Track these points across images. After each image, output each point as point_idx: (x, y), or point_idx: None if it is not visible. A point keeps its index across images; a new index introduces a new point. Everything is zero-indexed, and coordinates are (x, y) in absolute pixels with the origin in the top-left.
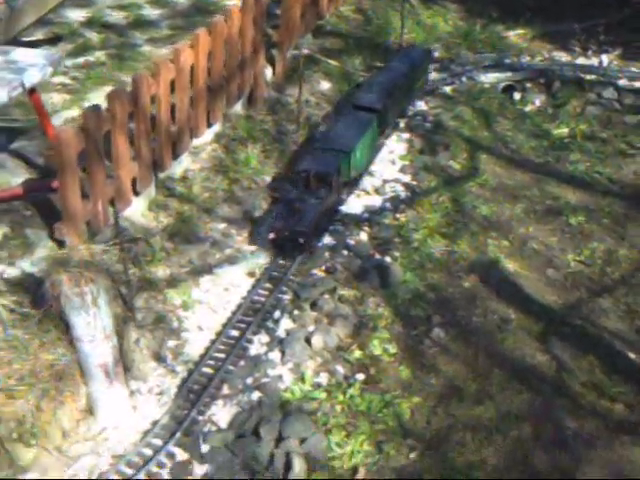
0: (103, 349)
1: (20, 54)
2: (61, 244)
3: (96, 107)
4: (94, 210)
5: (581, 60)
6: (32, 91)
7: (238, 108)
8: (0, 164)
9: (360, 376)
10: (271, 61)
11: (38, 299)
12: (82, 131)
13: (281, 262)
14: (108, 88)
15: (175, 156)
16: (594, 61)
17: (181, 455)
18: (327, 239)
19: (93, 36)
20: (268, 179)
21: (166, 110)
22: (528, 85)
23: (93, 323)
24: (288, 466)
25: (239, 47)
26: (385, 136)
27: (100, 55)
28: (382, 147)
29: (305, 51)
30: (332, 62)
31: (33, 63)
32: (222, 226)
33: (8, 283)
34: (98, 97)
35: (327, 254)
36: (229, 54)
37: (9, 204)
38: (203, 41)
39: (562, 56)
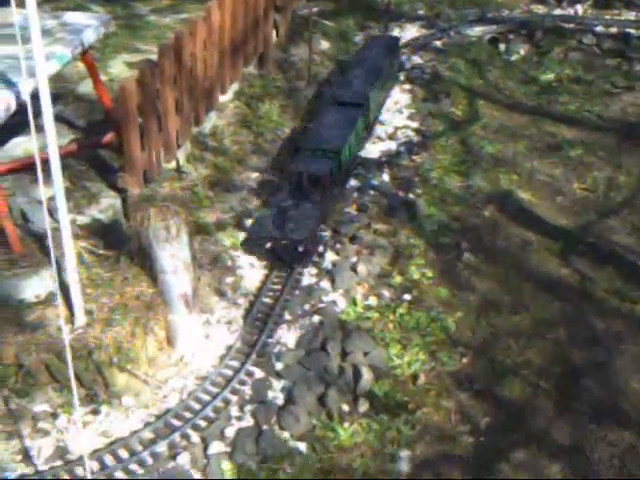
0: (184, 280)
1: (72, 17)
2: (122, 192)
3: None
4: (149, 160)
5: (558, 11)
6: (84, 52)
7: (251, 68)
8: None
9: (406, 297)
10: (274, 24)
11: (114, 240)
12: (138, 85)
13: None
14: (126, 55)
15: (207, 111)
16: (570, 11)
17: (259, 373)
18: (353, 182)
19: (99, 10)
20: (287, 131)
21: (202, 66)
22: (511, 36)
23: (176, 255)
24: (357, 375)
25: (254, 9)
26: (369, 129)
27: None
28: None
29: (315, 9)
30: (329, 23)
31: (87, 24)
32: (254, 175)
33: (81, 229)
34: (118, 63)
35: (355, 194)
36: (246, 15)
37: (63, 161)
38: (228, 1)
39: (539, 8)
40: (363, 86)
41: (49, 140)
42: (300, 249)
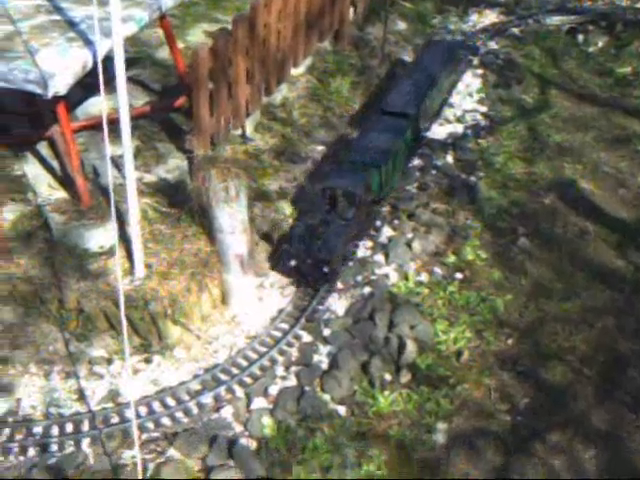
0: (240, 241)
1: None
2: (189, 154)
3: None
4: (217, 125)
5: None
6: (162, 17)
7: (326, 43)
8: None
9: (458, 275)
10: (352, 2)
11: (178, 200)
12: (212, 51)
13: None
14: (205, 25)
15: (278, 82)
16: None
17: (306, 337)
18: (416, 161)
19: None
20: (357, 107)
21: (276, 37)
22: (590, 27)
23: (234, 216)
24: (401, 347)
25: None
26: (418, 143)
27: None
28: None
29: None
30: (407, 4)
31: None
32: (320, 148)
33: (147, 187)
34: (197, 32)
35: (417, 173)
36: None
37: (136, 121)
38: None
39: (621, 0)
40: (415, 95)
41: (120, 100)
42: (325, 270)
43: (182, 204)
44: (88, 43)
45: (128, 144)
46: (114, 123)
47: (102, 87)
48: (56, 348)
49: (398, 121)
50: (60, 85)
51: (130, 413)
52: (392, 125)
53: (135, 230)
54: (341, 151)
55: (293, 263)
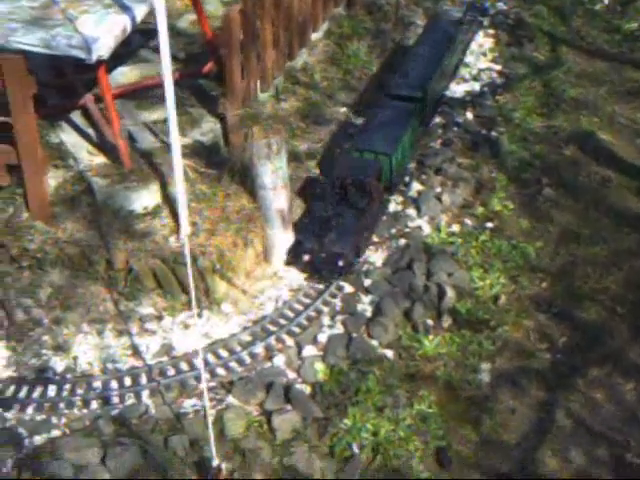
0: (282, 197)
1: None
2: (222, 117)
3: None
4: (247, 88)
5: None
6: None
7: (340, 9)
8: (145, 58)
9: (488, 225)
10: None
11: (214, 161)
12: (241, 15)
13: None
14: None
15: (300, 46)
16: None
17: (348, 288)
18: (438, 118)
19: None
20: (375, 69)
21: (298, 3)
22: None
23: (276, 172)
24: (441, 293)
25: None
26: (425, 125)
27: None
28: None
29: None
30: None
31: None
32: (342, 110)
33: (184, 149)
34: (213, 2)
35: (440, 130)
36: None
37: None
38: None
39: None
40: (421, 78)
41: (164, 64)
42: (340, 263)
43: (219, 164)
44: (125, 9)
45: (172, 105)
46: (148, 89)
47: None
48: (106, 308)
49: (405, 105)
50: (103, 49)
51: (184, 365)
52: (399, 110)
53: (180, 188)
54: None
55: (307, 258)
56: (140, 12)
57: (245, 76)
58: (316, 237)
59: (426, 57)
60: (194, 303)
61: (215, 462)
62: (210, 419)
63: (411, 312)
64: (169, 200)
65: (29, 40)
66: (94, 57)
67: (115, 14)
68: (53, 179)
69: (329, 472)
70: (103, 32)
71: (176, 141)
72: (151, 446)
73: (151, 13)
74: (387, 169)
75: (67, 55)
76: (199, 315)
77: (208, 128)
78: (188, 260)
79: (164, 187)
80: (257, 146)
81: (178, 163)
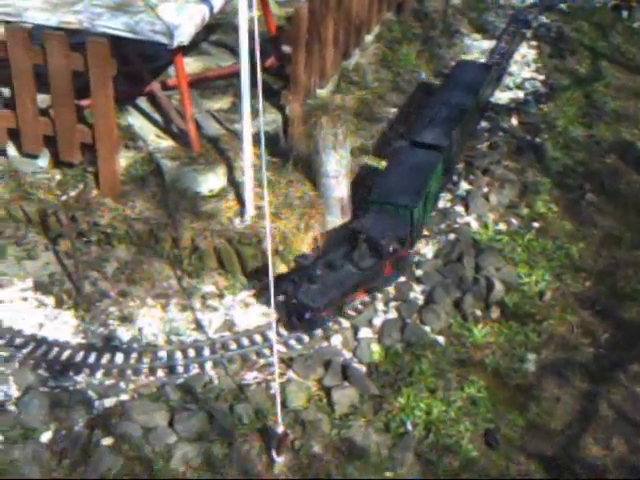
0: (342, 185)
1: None
2: (283, 110)
3: None
4: (309, 82)
5: None
6: None
7: (389, 14)
8: (206, 51)
9: (534, 225)
10: None
11: (276, 150)
12: (309, 13)
13: None
14: None
15: (354, 47)
16: None
17: (401, 277)
18: (484, 123)
19: None
20: (424, 75)
21: (357, 4)
22: (634, 4)
23: (340, 161)
24: (489, 286)
25: None
26: (449, 178)
27: None
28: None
29: None
30: None
31: None
32: (393, 110)
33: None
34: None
35: (486, 134)
36: None
37: (228, 80)
38: None
39: None
40: (446, 126)
41: (242, 56)
42: (307, 316)
43: (281, 153)
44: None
45: (246, 94)
46: (214, 79)
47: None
48: (170, 284)
49: (430, 154)
50: (184, 36)
51: (246, 340)
52: (423, 158)
53: (248, 172)
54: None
55: (281, 298)
56: (217, 3)
57: (307, 71)
58: (294, 283)
59: (452, 103)
60: (271, 282)
61: (281, 429)
62: (272, 391)
63: (461, 302)
64: (234, 184)
65: (114, 24)
66: (175, 43)
67: (194, 3)
68: (124, 159)
69: (384, 446)
70: (184, 19)
71: (247, 128)
72: (217, 412)
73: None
74: (407, 222)
75: (150, 40)
76: (258, 295)
77: (270, 119)
78: (269, 240)
79: (230, 171)
80: (324, 135)
81: (248, 149)
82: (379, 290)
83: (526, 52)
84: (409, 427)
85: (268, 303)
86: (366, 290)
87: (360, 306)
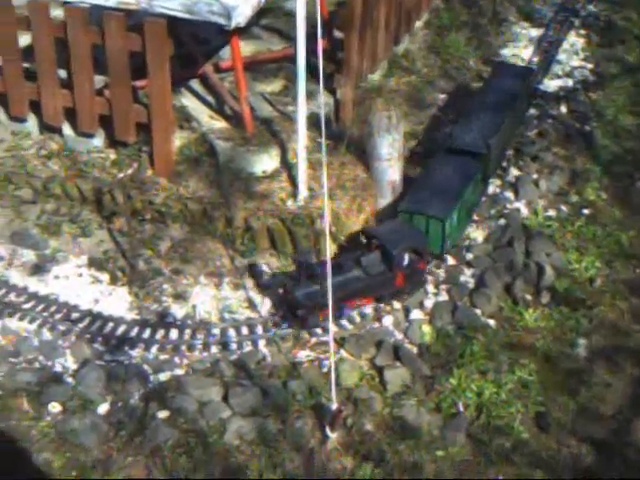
0: (395, 168)
1: None
2: (334, 93)
3: None
4: (361, 66)
5: None
6: None
7: (437, 1)
8: (257, 36)
9: (584, 212)
10: None
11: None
12: None
13: None
14: None
15: (405, 33)
16: None
17: (451, 261)
18: (532, 110)
19: None
20: (472, 63)
21: None
22: None
23: (393, 144)
24: (540, 271)
25: None
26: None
27: None
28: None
29: None
30: None
31: None
32: (442, 96)
33: None
34: None
35: (535, 121)
36: None
37: (280, 63)
38: None
39: None
40: (486, 131)
41: (299, 37)
42: (300, 313)
43: (334, 136)
44: None
45: (302, 77)
46: (266, 63)
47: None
48: (222, 263)
49: (467, 161)
50: (241, 17)
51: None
52: (460, 166)
53: (302, 154)
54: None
55: (281, 291)
56: None
57: (359, 55)
58: (292, 278)
59: (491, 107)
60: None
61: (334, 405)
62: (325, 369)
63: (512, 286)
64: (287, 165)
65: (172, 5)
66: (233, 24)
67: None
68: (178, 139)
69: (435, 426)
70: (242, 1)
71: (302, 111)
72: (270, 389)
73: None
74: (439, 235)
75: (207, 21)
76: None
77: (323, 101)
78: (327, 219)
79: (283, 153)
80: (378, 118)
81: (302, 131)
82: (389, 301)
83: (574, 41)
84: (461, 408)
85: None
86: (375, 298)
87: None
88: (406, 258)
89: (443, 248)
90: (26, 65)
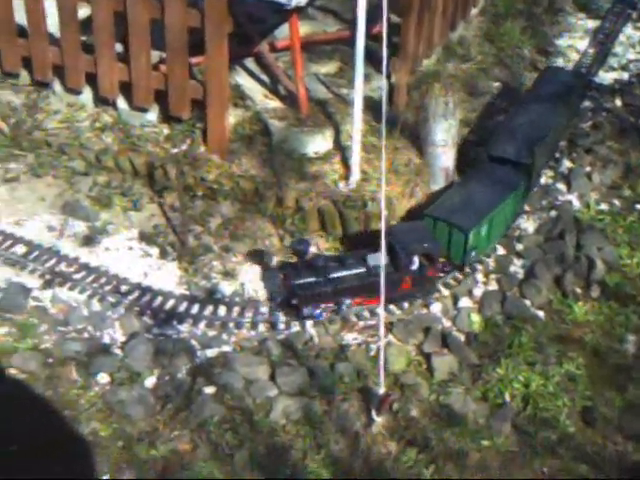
0: (449, 155)
1: None
2: (388, 77)
3: None
4: (416, 51)
5: None
6: None
7: None
8: (312, 17)
9: (637, 207)
10: None
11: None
12: None
13: None
14: None
15: (460, 19)
16: None
17: (501, 251)
18: (587, 102)
19: None
20: (527, 52)
21: None
22: None
23: (449, 130)
24: (591, 265)
25: None
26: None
27: None
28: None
29: None
30: None
31: None
32: (495, 84)
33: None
34: None
35: (589, 114)
36: None
37: (335, 45)
38: None
39: None
40: (529, 140)
41: (359, 20)
42: (294, 302)
43: (388, 119)
44: None
45: (360, 59)
46: (321, 44)
47: None
48: (271, 242)
49: (509, 171)
50: None
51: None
52: (500, 176)
53: (357, 136)
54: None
55: (281, 276)
56: None
57: (416, 40)
58: (293, 268)
59: (538, 114)
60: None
61: (382, 390)
62: (372, 353)
63: (562, 279)
64: (340, 147)
65: None
66: (293, 3)
67: None
68: (232, 117)
69: (481, 415)
70: None
71: (359, 93)
72: (318, 370)
73: None
74: (460, 245)
75: (268, 0)
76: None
77: (376, 85)
78: (383, 202)
79: (336, 135)
80: (435, 103)
81: (358, 114)
82: (398, 303)
83: (631, 33)
84: (507, 398)
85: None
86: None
87: (460, 275)
88: (416, 262)
89: (465, 259)
90: (83, 37)
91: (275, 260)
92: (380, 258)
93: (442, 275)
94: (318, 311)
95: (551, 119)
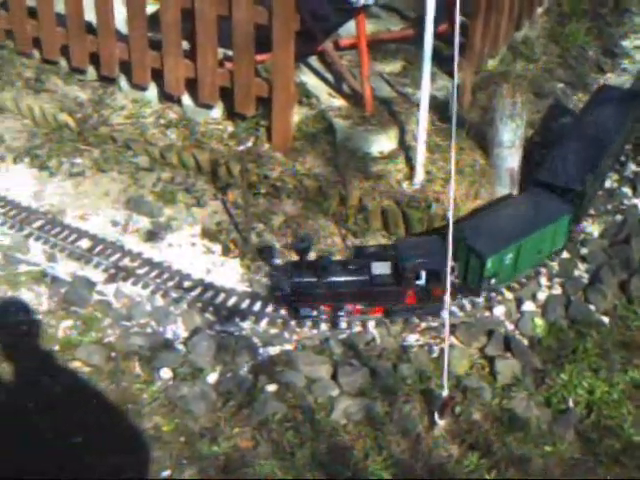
0: (515, 156)
1: None
2: (453, 76)
3: None
4: (482, 51)
5: None
6: None
7: None
8: (376, 15)
9: None
10: None
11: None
12: None
13: None
14: None
15: (525, 19)
16: None
17: (565, 254)
18: None
19: None
20: (592, 53)
21: None
22: None
23: (516, 131)
24: None
25: None
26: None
27: None
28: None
29: None
30: None
31: None
32: (560, 85)
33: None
34: None
35: None
36: None
37: (399, 44)
38: None
39: None
40: (580, 166)
41: (427, 19)
42: (290, 300)
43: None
44: None
45: (428, 58)
46: (386, 42)
47: None
48: (333, 241)
49: (556, 199)
50: None
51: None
52: (546, 203)
53: (422, 136)
54: None
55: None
56: None
57: (482, 40)
58: (295, 267)
59: (590, 137)
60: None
61: (445, 392)
62: (434, 355)
63: (627, 284)
64: (405, 147)
65: None
66: (362, 1)
67: None
68: (296, 115)
69: (544, 420)
70: None
71: (426, 93)
72: (380, 370)
73: None
74: (476, 270)
75: None
76: None
77: (442, 85)
78: (451, 202)
79: (401, 134)
80: (503, 104)
81: (424, 113)
82: (401, 317)
83: None
84: (571, 404)
85: None
86: (385, 311)
87: (523, 279)
88: (423, 277)
89: (481, 285)
90: (149, 34)
91: (279, 258)
92: (385, 267)
93: (453, 294)
94: (315, 313)
95: (604, 144)
